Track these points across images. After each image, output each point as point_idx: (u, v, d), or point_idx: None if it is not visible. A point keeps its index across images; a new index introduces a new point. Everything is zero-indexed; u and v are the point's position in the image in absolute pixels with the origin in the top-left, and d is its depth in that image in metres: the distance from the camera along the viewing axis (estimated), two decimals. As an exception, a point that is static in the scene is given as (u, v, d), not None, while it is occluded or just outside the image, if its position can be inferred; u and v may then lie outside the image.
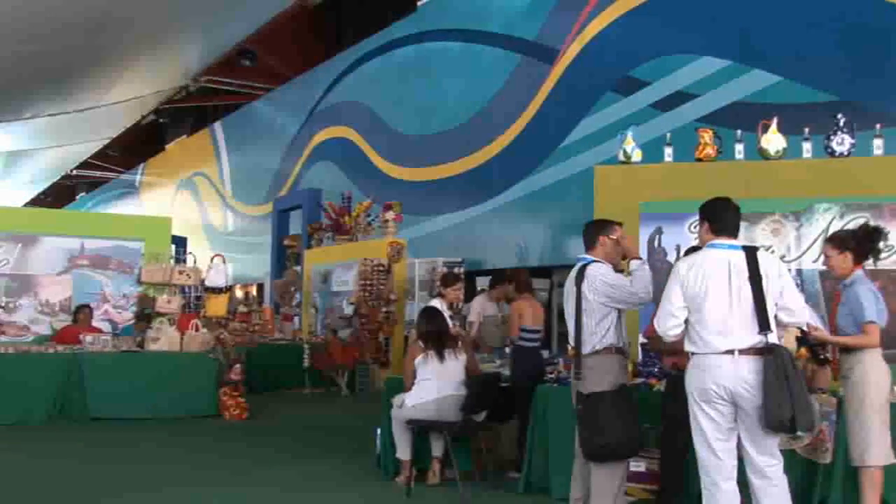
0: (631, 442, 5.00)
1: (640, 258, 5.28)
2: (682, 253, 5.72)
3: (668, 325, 4.47)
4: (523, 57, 14.82)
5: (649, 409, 5.53)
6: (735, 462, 4.35)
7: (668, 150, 7.63)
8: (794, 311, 4.39)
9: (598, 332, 5.05)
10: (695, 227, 6.64)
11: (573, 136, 13.45)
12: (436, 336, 6.67)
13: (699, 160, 7.38)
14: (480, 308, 8.60)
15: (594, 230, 5.30)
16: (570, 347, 5.29)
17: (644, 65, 12.37)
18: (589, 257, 5.20)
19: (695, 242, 6.39)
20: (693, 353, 4.42)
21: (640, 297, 5.07)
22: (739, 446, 4.34)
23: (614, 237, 5.25)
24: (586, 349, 5.05)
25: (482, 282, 15.40)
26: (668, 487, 5.40)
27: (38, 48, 16.64)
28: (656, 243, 7.37)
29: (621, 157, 7.70)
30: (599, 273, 5.07)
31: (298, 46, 23.78)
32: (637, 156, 7.66)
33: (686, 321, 4.44)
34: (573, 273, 5.20)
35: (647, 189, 7.47)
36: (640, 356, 6.51)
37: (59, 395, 9.98)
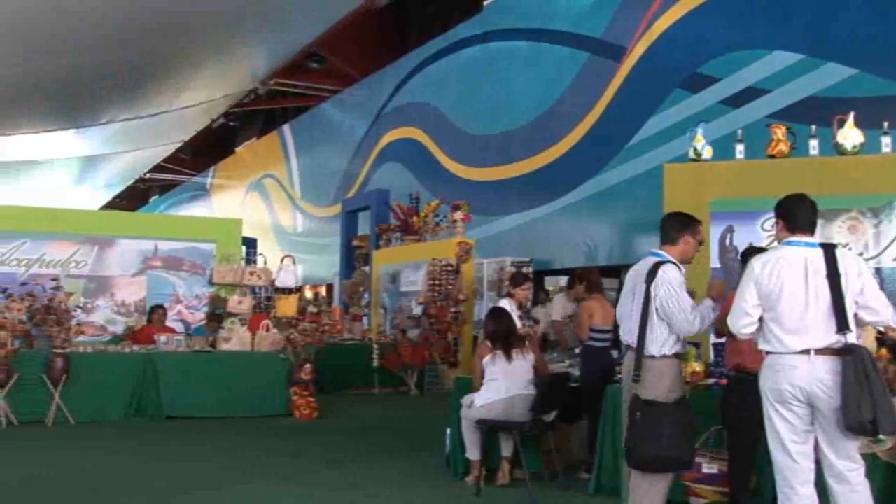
0: (685, 457, 4.83)
1: (715, 301, 5.02)
2: (738, 255, 5.57)
3: (742, 323, 4.39)
4: (590, 55, 14.71)
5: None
6: (812, 466, 4.24)
7: (740, 147, 7.51)
8: (877, 310, 4.25)
9: (664, 336, 4.88)
10: (768, 226, 6.54)
11: (641, 135, 13.31)
12: (503, 336, 6.67)
13: (772, 157, 7.25)
14: (562, 307, 8.57)
15: (679, 226, 5.09)
16: (626, 346, 5.16)
17: (713, 61, 12.19)
18: (664, 255, 5.00)
19: (768, 240, 6.28)
20: (768, 353, 4.33)
21: (690, 331, 4.87)
22: (817, 449, 4.23)
23: (699, 238, 5.10)
24: (650, 351, 4.87)
25: (550, 281, 15.36)
26: (737, 490, 5.31)
27: (112, 55, 17.03)
28: (728, 242, 7.25)
29: (691, 155, 7.60)
30: (669, 280, 4.85)
31: (365, 48, 23.93)
32: (707, 153, 7.56)
33: (760, 320, 4.36)
34: (642, 268, 5.00)
35: (717, 187, 7.37)
36: (711, 356, 6.41)
37: (134, 394, 10.22)
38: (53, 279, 10.72)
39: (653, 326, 4.86)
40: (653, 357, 4.86)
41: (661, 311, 4.84)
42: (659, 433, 4.69)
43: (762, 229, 6.87)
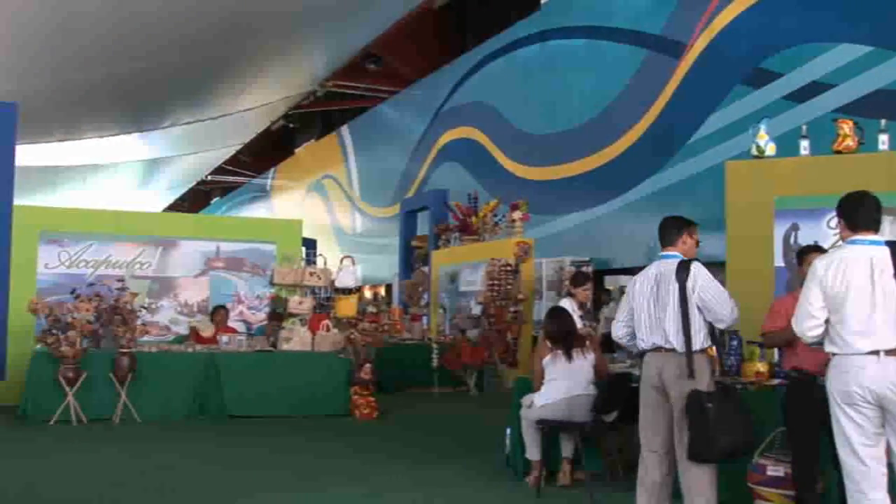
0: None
1: None
2: (794, 255, 5.52)
3: (807, 325, 4.32)
4: (649, 52, 14.57)
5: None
6: (885, 470, 4.13)
7: (804, 143, 7.38)
8: None
9: (704, 330, 5.01)
10: (834, 223, 6.40)
11: (702, 132, 13.14)
12: (563, 336, 6.63)
13: (838, 153, 7.11)
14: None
15: (676, 228, 5.28)
16: (651, 344, 5.15)
17: (776, 55, 11.98)
18: (677, 253, 5.17)
19: (834, 239, 6.17)
20: (834, 355, 4.24)
21: (732, 318, 5.05)
22: (889, 453, 4.13)
23: (696, 238, 5.27)
24: (695, 346, 4.97)
25: (610, 281, 15.24)
26: (803, 493, 5.21)
27: (175, 60, 17.31)
28: (792, 240, 7.14)
29: (754, 152, 7.49)
30: (704, 274, 5.03)
31: (423, 49, 23.99)
32: (771, 150, 7.44)
33: (826, 321, 4.28)
34: (666, 268, 5.11)
35: (781, 184, 7.25)
36: (776, 356, 6.30)
37: (197, 393, 10.37)
38: (119, 280, 10.95)
39: (694, 322, 4.97)
40: (698, 352, 4.99)
41: (702, 305, 4.98)
42: (733, 421, 4.81)
43: (828, 227, 6.75)
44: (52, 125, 20.57)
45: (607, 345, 7.93)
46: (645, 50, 14.67)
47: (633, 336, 5.33)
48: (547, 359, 6.61)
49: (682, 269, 5.03)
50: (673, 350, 5.00)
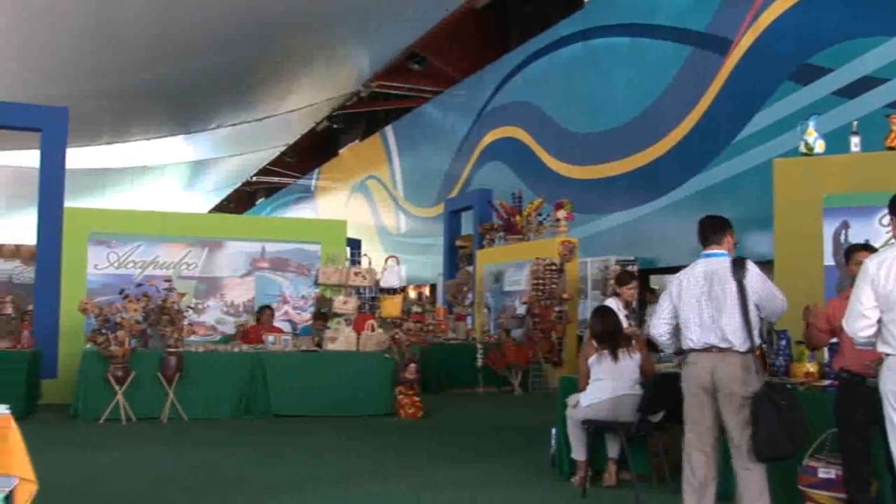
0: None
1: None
2: (842, 255, 5.46)
3: (859, 325, 4.25)
4: (694, 49, 14.44)
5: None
6: None
7: (855, 140, 7.26)
8: None
9: (757, 327, 5.00)
10: (885, 221, 6.30)
11: (748, 129, 12.99)
12: (609, 335, 6.59)
13: (890, 149, 6.98)
14: None
15: (724, 225, 5.25)
16: (703, 344, 5.08)
17: (825, 51, 11.80)
18: (724, 252, 5.15)
19: (886, 237, 6.07)
20: (888, 355, 4.17)
21: (783, 311, 5.09)
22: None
23: (734, 238, 5.27)
24: (754, 344, 4.97)
25: (655, 280, 15.13)
26: (855, 496, 5.12)
27: (220, 62, 17.48)
28: (842, 238, 7.03)
29: (802, 149, 7.39)
30: (757, 271, 5.02)
31: (466, 48, 23.99)
32: (820, 147, 7.33)
33: (878, 321, 4.21)
34: (717, 266, 5.07)
35: (831, 181, 7.14)
36: (826, 356, 6.20)
37: (243, 392, 10.46)
38: (167, 280, 11.07)
39: (754, 319, 4.96)
40: (754, 350, 4.97)
41: (759, 302, 4.98)
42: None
43: (880, 224, 6.63)
44: (101, 128, 20.88)
45: (652, 344, 7.86)
46: (689, 47, 14.55)
47: (673, 335, 5.29)
48: (593, 358, 6.57)
49: (739, 267, 4.99)
50: (729, 349, 4.95)
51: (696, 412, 5.13)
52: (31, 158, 13.52)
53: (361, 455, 8.10)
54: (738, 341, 4.92)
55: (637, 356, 6.60)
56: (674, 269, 13.57)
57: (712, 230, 5.24)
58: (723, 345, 4.96)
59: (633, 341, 6.72)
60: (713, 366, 4.99)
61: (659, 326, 5.36)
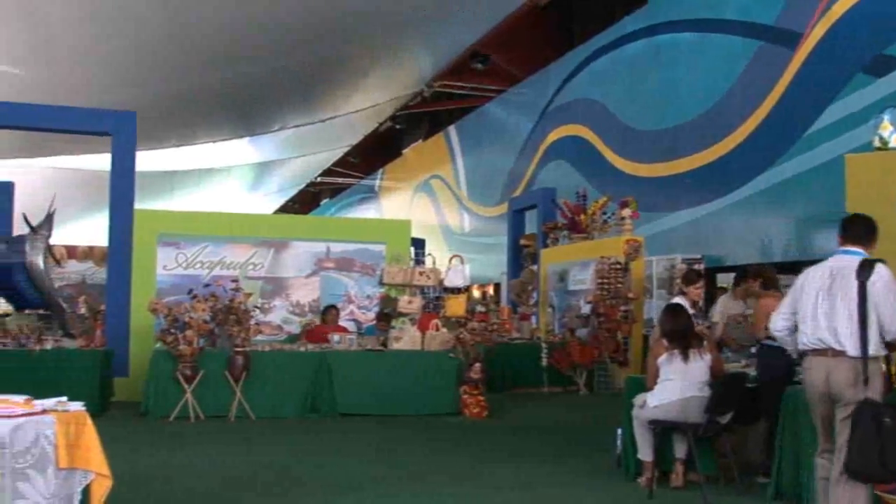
0: None
1: None
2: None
3: None
4: (762, 43, 14.16)
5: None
6: None
7: (931, 134, 7.05)
8: None
9: (878, 335, 4.69)
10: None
11: (819, 124, 12.69)
12: (680, 335, 6.48)
13: (968, 142, 6.77)
14: (724, 308, 8.26)
15: (871, 230, 4.98)
16: (816, 340, 4.90)
17: (901, 41, 11.49)
18: (861, 251, 4.89)
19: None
20: None
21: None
22: None
23: (874, 247, 4.98)
24: (870, 351, 4.68)
25: (722, 279, 14.89)
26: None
27: (284, 64, 17.66)
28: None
29: (876, 144, 7.20)
30: (887, 278, 4.71)
31: (529, 47, 23.88)
32: (895, 141, 7.13)
33: None
34: (845, 264, 4.85)
35: (906, 177, 6.94)
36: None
37: (309, 391, 10.55)
38: (233, 280, 11.22)
39: (872, 324, 4.67)
40: (874, 358, 4.70)
41: (876, 308, 4.67)
42: None
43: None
44: (169, 132, 21.23)
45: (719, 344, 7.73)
46: (757, 41, 14.27)
47: (793, 331, 5.08)
48: (662, 358, 6.46)
49: (866, 267, 4.73)
50: (843, 353, 4.73)
51: (816, 417, 4.99)
52: (102, 162, 13.80)
53: (426, 454, 8.11)
54: (851, 346, 4.69)
55: (707, 357, 6.47)
56: (742, 268, 13.36)
57: (858, 228, 5.01)
58: (837, 346, 4.74)
59: (704, 342, 6.59)
60: (828, 370, 4.78)
61: (777, 322, 5.17)
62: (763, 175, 13.84)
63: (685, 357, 6.36)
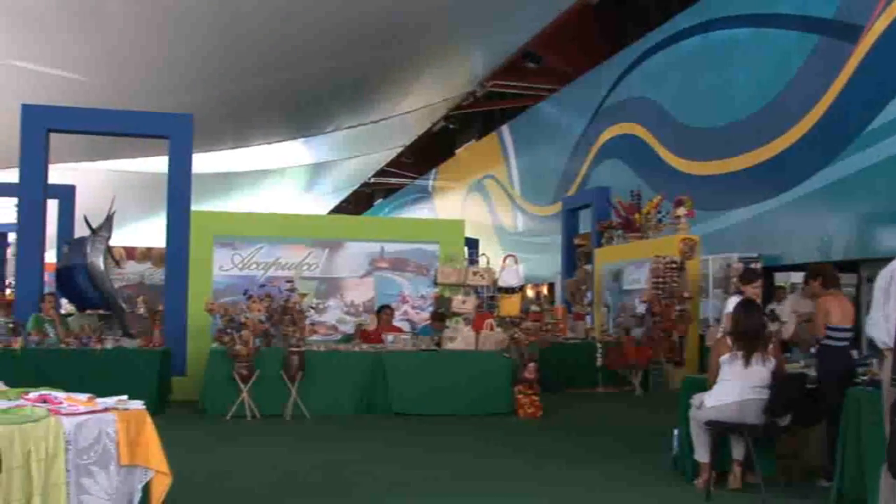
0: None
1: None
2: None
3: None
4: (821, 38, 13.92)
5: None
6: None
7: None
8: None
9: None
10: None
11: (881, 119, 12.43)
12: (748, 336, 6.29)
13: None
14: (793, 307, 8.13)
15: None
16: (882, 343, 4.77)
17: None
18: None
19: None
20: None
21: None
22: None
23: None
24: None
25: (780, 277, 14.67)
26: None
27: (337, 66, 17.77)
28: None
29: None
30: None
31: (581, 45, 23.77)
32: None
33: None
34: None
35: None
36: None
37: (364, 391, 10.61)
38: (288, 281, 11.32)
39: None
40: None
41: None
42: None
43: None
44: (224, 134, 21.49)
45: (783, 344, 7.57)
46: (816, 35, 14.03)
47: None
48: (725, 357, 6.30)
49: None
50: (892, 349, 4.64)
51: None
52: (160, 165, 14.02)
53: (480, 454, 8.10)
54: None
55: (771, 363, 6.27)
56: (800, 266, 13.15)
57: None
58: (892, 343, 4.62)
59: (770, 345, 6.40)
60: (889, 365, 4.67)
61: (877, 321, 4.97)
62: (822, 172, 13.61)
63: (746, 361, 6.22)
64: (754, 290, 7.62)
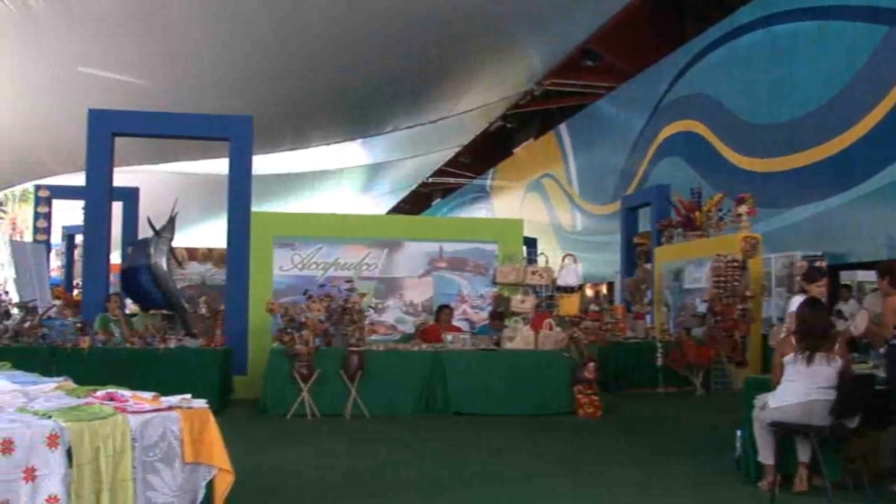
0: None
1: None
2: None
3: None
4: (889, 28, 13.59)
5: None
6: None
7: None
8: None
9: None
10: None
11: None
12: (815, 336, 6.16)
13: None
14: (871, 305, 7.94)
15: None
16: None
17: None
18: None
19: None
20: None
21: None
22: None
23: None
24: None
25: (846, 276, 14.40)
26: None
27: (395, 66, 17.82)
28: None
29: None
30: None
31: (640, 42, 23.54)
32: None
33: None
34: None
35: None
36: None
37: (423, 390, 10.63)
38: (348, 281, 11.38)
39: None
40: None
41: None
42: None
43: None
44: (283, 135, 21.68)
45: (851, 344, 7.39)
46: (884, 27, 13.71)
47: None
48: (789, 357, 6.17)
49: None
50: None
51: None
52: (220, 166, 14.20)
53: (540, 454, 8.06)
54: None
55: (837, 363, 6.10)
56: (866, 265, 12.88)
57: None
58: None
59: (836, 346, 6.21)
60: None
61: None
62: (890, 168, 13.30)
63: (809, 360, 6.08)
64: (819, 290, 7.47)
